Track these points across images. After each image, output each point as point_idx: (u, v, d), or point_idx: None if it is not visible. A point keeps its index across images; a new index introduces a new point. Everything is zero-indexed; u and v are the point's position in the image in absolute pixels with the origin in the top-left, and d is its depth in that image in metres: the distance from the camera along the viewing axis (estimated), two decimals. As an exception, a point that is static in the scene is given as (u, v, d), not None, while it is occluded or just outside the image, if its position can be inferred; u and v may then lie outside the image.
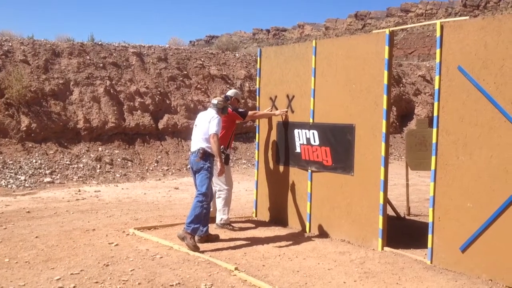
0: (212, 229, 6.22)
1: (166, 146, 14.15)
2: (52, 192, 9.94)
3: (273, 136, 7.06)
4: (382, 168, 5.55)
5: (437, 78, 5.08)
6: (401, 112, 20.77)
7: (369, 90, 5.72)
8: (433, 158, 5.10)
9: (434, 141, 5.10)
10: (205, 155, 5.70)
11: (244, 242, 5.89)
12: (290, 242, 5.92)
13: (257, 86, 7.45)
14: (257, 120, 7.40)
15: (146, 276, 4.56)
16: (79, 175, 11.66)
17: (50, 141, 12.37)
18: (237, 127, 7.40)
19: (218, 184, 6.46)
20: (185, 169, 13.31)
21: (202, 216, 5.60)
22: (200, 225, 5.61)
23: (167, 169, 13.19)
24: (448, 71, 4.97)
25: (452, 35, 4.95)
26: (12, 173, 10.87)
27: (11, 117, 12.05)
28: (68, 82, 13.31)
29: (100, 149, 12.93)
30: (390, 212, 6.93)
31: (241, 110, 6.80)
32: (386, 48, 5.54)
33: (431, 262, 5.08)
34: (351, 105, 5.93)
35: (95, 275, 4.57)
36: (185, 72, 15.88)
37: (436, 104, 5.08)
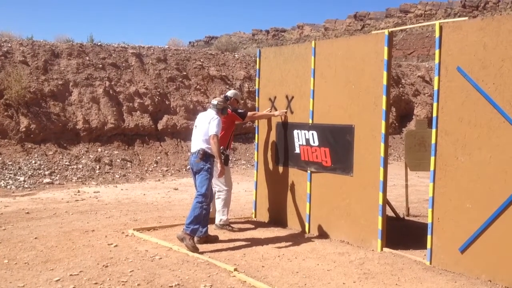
0: (212, 230, 6.22)
1: (166, 147, 14.15)
2: (52, 193, 9.93)
3: (273, 137, 7.06)
4: (381, 169, 5.55)
5: (436, 78, 5.08)
6: (400, 113, 20.78)
7: (369, 91, 5.72)
8: (432, 158, 5.11)
9: (433, 141, 5.10)
10: (205, 156, 5.70)
11: (243, 243, 5.89)
12: (290, 243, 5.92)
13: (257, 86, 7.45)
14: (256, 120, 7.40)
15: (145, 277, 4.56)
16: (78, 176, 11.65)
17: (50, 142, 12.36)
18: (236, 127, 7.40)
19: (217, 185, 6.46)
20: (184, 170, 13.31)
21: (202, 217, 5.60)
22: (200, 226, 5.61)
23: (166, 170, 13.19)
24: (447, 71, 4.98)
25: (451, 36, 4.95)
26: (11, 174, 10.86)
27: (10, 118, 12.04)
28: (68, 83, 13.30)
29: (99, 150, 12.93)
30: (389, 212, 6.93)
31: (240, 110, 6.80)
32: (385, 48, 5.55)
33: (431, 263, 5.08)
34: (351, 105, 5.93)
35: (94, 276, 4.56)
36: (185, 73, 15.88)
37: (435, 104, 5.09)
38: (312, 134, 6.41)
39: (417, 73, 23.04)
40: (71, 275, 4.58)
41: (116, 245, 5.64)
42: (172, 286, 4.34)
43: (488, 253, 4.62)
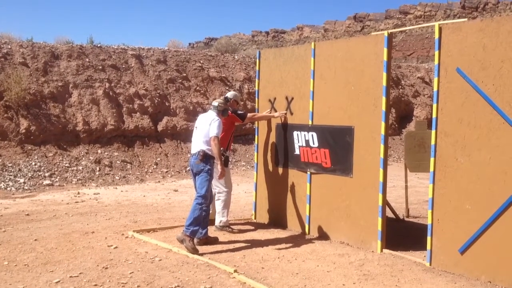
0: (211, 231, 6.22)
1: (166, 148, 14.15)
2: (51, 195, 9.93)
3: (272, 138, 7.07)
4: (381, 170, 5.55)
5: (436, 80, 5.09)
6: (400, 114, 20.79)
7: (368, 92, 5.72)
8: (432, 159, 5.11)
9: (433, 142, 5.11)
10: (206, 158, 5.70)
11: (243, 245, 5.89)
12: (289, 244, 5.92)
13: (256, 88, 7.45)
14: (256, 122, 7.40)
15: (145, 278, 4.56)
16: (78, 177, 11.65)
17: (49, 144, 12.35)
18: (236, 129, 7.40)
19: (217, 186, 6.46)
20: (184, 171, 13.30)
21: (202, 218, 5.60)
22: (199, 227, 5.61)
23: (166, 171, 13.19)
24: (447, 73, 4.98)
25: (451, 37, 4.96)
26: (11, 175, 10.86)
27: (10, 119, 12.04)
28: (67, 84, 13.31)
29: (99, 151, 12.92)
30: (389, 214, 6.93)
31: (240, 112, 6.81)
32: (385, 50, 5.55)
33: (430, 264, 5.08)
34: (350, 107, 5.93)
35: (94, 278, 4.56)
36: (184, 74, 15.89)
37: (435, 105, 5.09)
38: (312, 135, 6.41)
39: (417, 74, 23.05)
40: (71, 276, 4.58)
41: (116, 247, 5.64)
42: (172, 288, 4.34)
43: (488, 254, 4.62)
